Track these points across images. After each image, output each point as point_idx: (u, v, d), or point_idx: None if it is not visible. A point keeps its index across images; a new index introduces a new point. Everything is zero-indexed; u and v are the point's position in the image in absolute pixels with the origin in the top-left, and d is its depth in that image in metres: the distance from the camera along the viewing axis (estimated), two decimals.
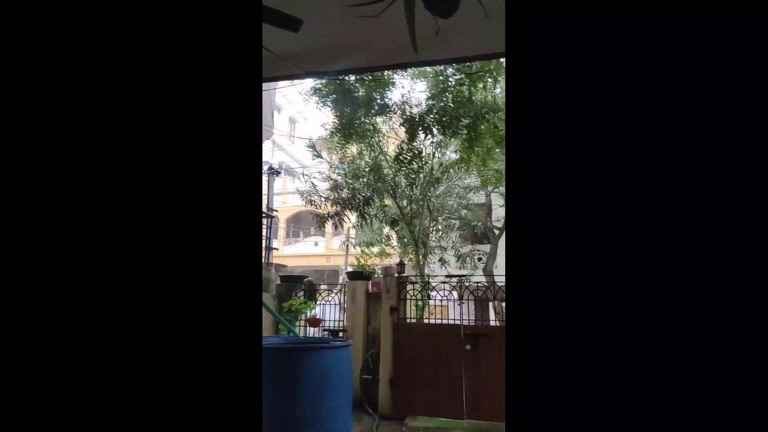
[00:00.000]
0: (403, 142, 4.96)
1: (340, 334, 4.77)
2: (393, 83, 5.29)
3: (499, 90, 4.96)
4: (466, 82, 4.53)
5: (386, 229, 7.17)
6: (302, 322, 4.93)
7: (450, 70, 4.66)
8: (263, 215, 6.86)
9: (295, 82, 6.00)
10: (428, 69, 5.20)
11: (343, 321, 4.99)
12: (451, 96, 4.70)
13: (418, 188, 6.13)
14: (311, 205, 6.47)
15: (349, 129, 5.46)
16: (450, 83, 4.73)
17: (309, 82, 5.77)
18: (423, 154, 5.49)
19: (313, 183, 6.54)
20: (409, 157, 4.93)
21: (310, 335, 4.74)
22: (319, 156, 6.65)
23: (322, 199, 6.38)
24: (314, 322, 4.81)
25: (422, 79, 5.48)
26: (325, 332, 4.93)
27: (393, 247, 7.39)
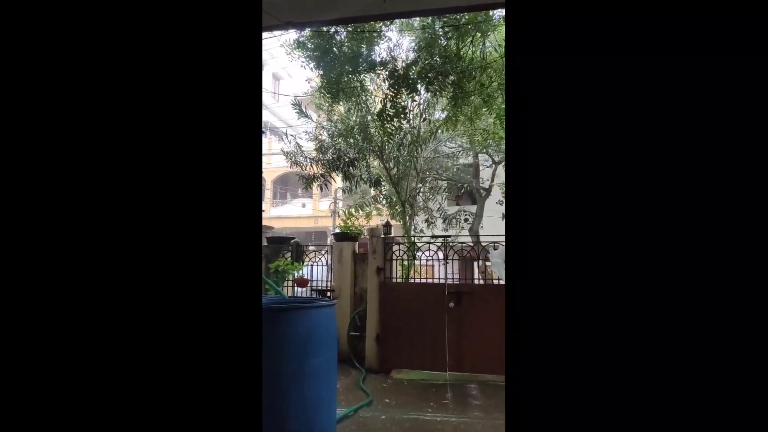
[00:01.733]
0: (386, 97, 4.79)
1: (328, 294, 4.86)
2: (380, 36, 5.05)
3: (489, 45, 4.78)
4: (454, 37, 4.35)
5: (372, 191, 7.13)
6: (290, 283, 4.99)
7: (438, 24, 4.45)
8: None
9: (276, 33, 5.69)
10: (415, 23, 4.97)
11: (331, 281, 5.07)
12: (438, 51, 4.51)
13: (405, 149, 6.04)
14: (297, 166, 6.34)
15: (334, 86, 5.26)
16: (437, 37, 4.53)
17: (292, 35, 5.48)
18: (407, 110, 5.34)
19: (298, 144, 6.38)
20: (392, 113, 4.79)
21: (297, 296, 4.81)
22: (305, 115, 6.44)
23: (308, 161, 6.25)
24: (302, 282, 4.88)
25: (409, 33, 5.25)
26: (314, 292, 5.01)
27: (379, 208, 7.39)
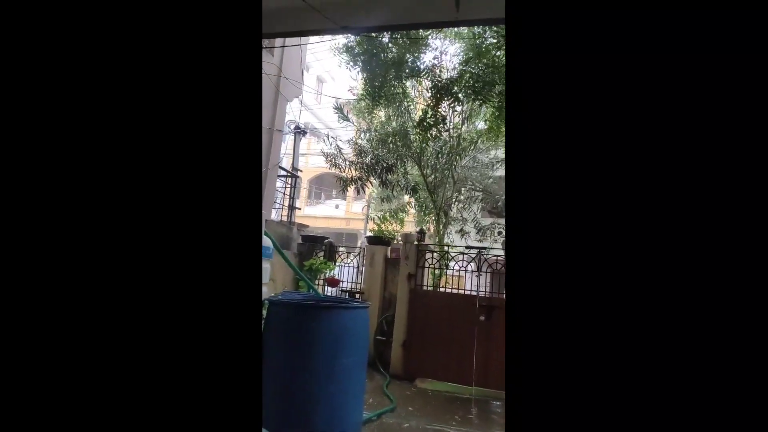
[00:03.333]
0: (428, 105, 4.81)
1: (357, 296, 4.89)
2: (427, 44, 5.07)
3: None
4: (504, 46, 4.30)
5: (407, 197, 7.14)
6: (320, 282, 5.07)
7: (488, 33, 4.42)
8: (289, 174, 6.91)
9: (325, 38, 5.84)
10: (464, 31, 4.95)
11: (360, 283, 5.10)
12: (486, 60, 4.48)
13: (444, 157, 6.01)
14: (335, 168, 6.45)
15: (378, 91, 5.32)
16: (487, 47, 4.49)
17: (340, 40, 5.60)
18: (447, 120, 5.33)
19: (338, 146, 6.49)
20: (431, 122, 4.80)
21: (328, 294, 4.87)
22: (346, 119, 6.55)
23: (347, 163, 6.35)
24: (333, 282, 4.93)
25: (458, 41, 5.23)
26: (343, 293, 5.06)
27: (414, 215, 7.37)
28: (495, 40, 4.36)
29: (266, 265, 2.76)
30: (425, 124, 4.86)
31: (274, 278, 4.40)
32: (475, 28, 4.50)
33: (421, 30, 4.71)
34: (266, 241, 2.74)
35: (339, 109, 6.52)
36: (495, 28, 4.20)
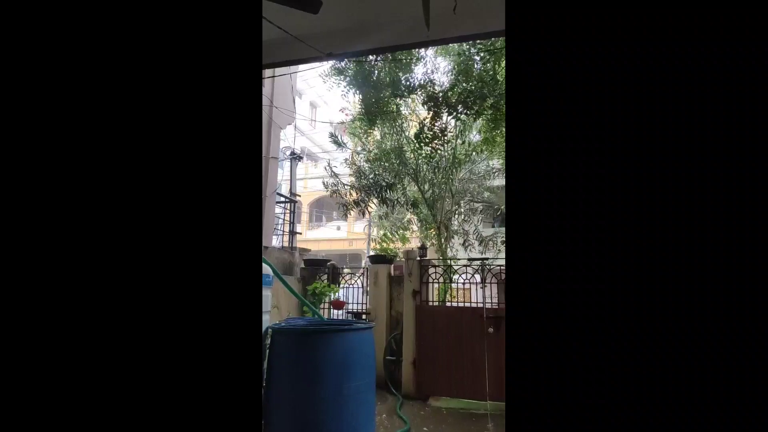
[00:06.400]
0: (425, 119, 4.87)
1: (363, 317, 4.84)
2: (417, 60, 5.17)
3: None
4: (490, 61, 4.39)
5: (408, 214, 7.15)
6: (326, 305, 5.03)
7: (473, 49, 4.52)
8: (287, 200, 6.96)
9: (316, 65, 5.97)
10: (450, 47, 5.07)
11: (366, 304, 5.06)
12: (475, 75, 4.56)
13: (441, 171, 6.05)
14: (336, 194, 6.47)
15: (371, 111, 5.41)
16: (474, 62, 4.59)
17: (330, 64, 5.73)
18: (445, 133, 5.39)
19: (334, 172, 6.54)
20: (430, 136, 4.85)
21: (334, 317, 4.83)
22: (341, 144, 6.62)
23: (346, 187, 6.38)
24: (338, 304, 4.90)
25: (445, 56, 5.34)
26: (349, 315, 5.01)
27: (415, 231, 7.37)
28: (481, 56, 4.46)
29: (267, 293, 2.75)
30: (423, 137, 4.90)
31: (278, 305, 4.37)
32: (464, 45, 4.61)
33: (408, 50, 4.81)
34: (266, 269, 2.74)
35: (333, 135, 6.60)
36: (480, 44, 4.30)
